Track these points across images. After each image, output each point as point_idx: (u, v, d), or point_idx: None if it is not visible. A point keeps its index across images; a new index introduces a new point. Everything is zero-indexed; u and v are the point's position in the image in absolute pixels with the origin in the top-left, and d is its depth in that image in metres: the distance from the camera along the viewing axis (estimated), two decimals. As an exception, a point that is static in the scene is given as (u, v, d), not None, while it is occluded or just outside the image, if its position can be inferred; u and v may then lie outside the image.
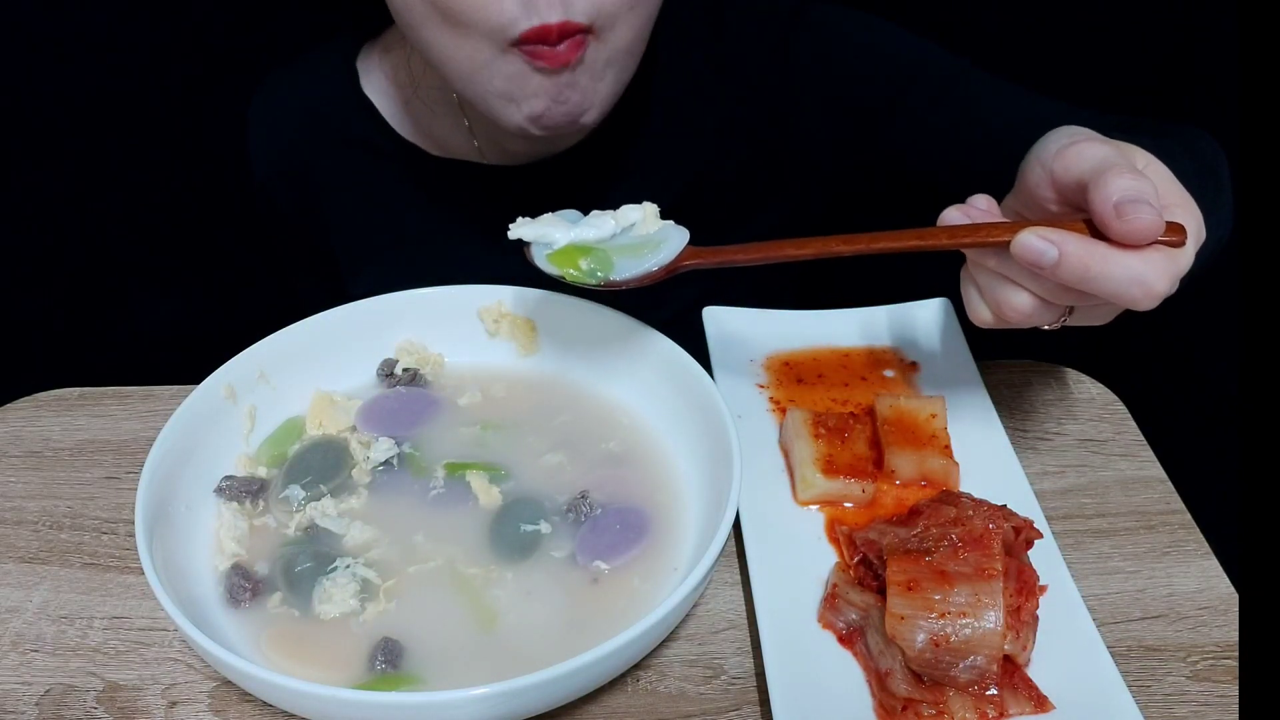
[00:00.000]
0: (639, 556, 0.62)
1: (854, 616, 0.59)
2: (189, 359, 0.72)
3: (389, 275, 0.82)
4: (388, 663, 0.56)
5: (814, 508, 0.67)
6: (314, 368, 0.72)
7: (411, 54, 0.83)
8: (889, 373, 0.76)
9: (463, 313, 0.75)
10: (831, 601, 0.59)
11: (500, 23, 0.64)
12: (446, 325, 0.75)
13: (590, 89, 0.68)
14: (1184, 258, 0.52)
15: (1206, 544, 0.66)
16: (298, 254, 0.95)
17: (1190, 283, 0.75)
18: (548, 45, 0.64)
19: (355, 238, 0.89)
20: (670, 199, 0.85)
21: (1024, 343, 0.83)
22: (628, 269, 0.62)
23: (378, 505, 0.65)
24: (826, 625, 0.59)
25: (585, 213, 0.73)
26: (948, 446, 0.67)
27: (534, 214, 0.84)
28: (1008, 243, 0.52)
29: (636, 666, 0.59)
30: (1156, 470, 0.71)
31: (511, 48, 0.65)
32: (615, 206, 0.84)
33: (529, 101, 0.68)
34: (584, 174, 0.84)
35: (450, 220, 0.87)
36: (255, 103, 0.89)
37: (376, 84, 0.86)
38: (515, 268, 0.81)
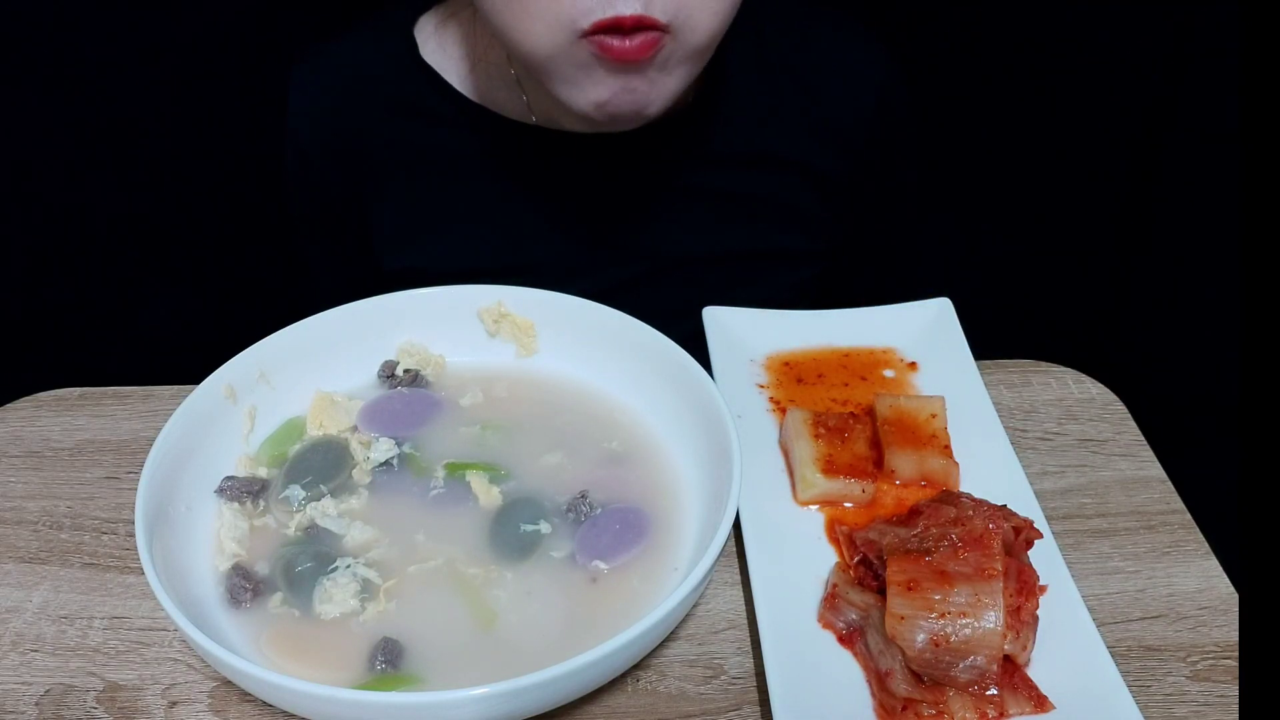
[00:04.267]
0: (639, 556, 0.62)
1: (854, 616, 0.59)
2: (189, 359, 0.72)
3: (439, 245, 0.83)
4: (388, 663, 0.56)
5: (814, 508, 0.67)
6: (314, 368, 0.72)
7: (477, 25, 0.84)
8: (889, 373, 0.76)
9: (463, 313, 0.75)
10: (831, 601, 0.59)
11: (574, 13, 0.65)
12: (447, 326, 0.75)
13: (659, 81, 0.70)
14: None
15: (1206, 544, 0.66)
16: (321, 235, 0.95)
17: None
18: (619, 36, 0.65)
19: (404, 208, 0.89)
20: (721, 192, 0.87)
21: (1024, 343, 0.83)
22: None
23: (378, 505, 0.65)
24: (826, 625, 0.59)
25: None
26: (948, 446, 0.67)
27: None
28: None
29: (636, 666, 0.59)
30: (1156, 470, 0.71)
31: (581, 38, 0.66)
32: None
33: (595, 89, 0.69)
34: (646, 152, 0.85)
35: (508, 187, 0.87)
36: (299, 75, 0.89)
37: (438, 52, 0.86)
38: (567, 239, 0.85)
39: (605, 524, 0.63)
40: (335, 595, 0.59)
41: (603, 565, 0.61)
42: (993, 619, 0.54)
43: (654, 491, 0.66)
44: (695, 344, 0.72)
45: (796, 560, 0.63)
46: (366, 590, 0.59)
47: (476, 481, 0.65)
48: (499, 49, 0.83)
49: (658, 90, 0.70)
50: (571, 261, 0.88)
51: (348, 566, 0.60)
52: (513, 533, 0.62)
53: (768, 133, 0.87)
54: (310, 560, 0.61)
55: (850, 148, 0.89)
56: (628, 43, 0.65)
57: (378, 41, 0.88)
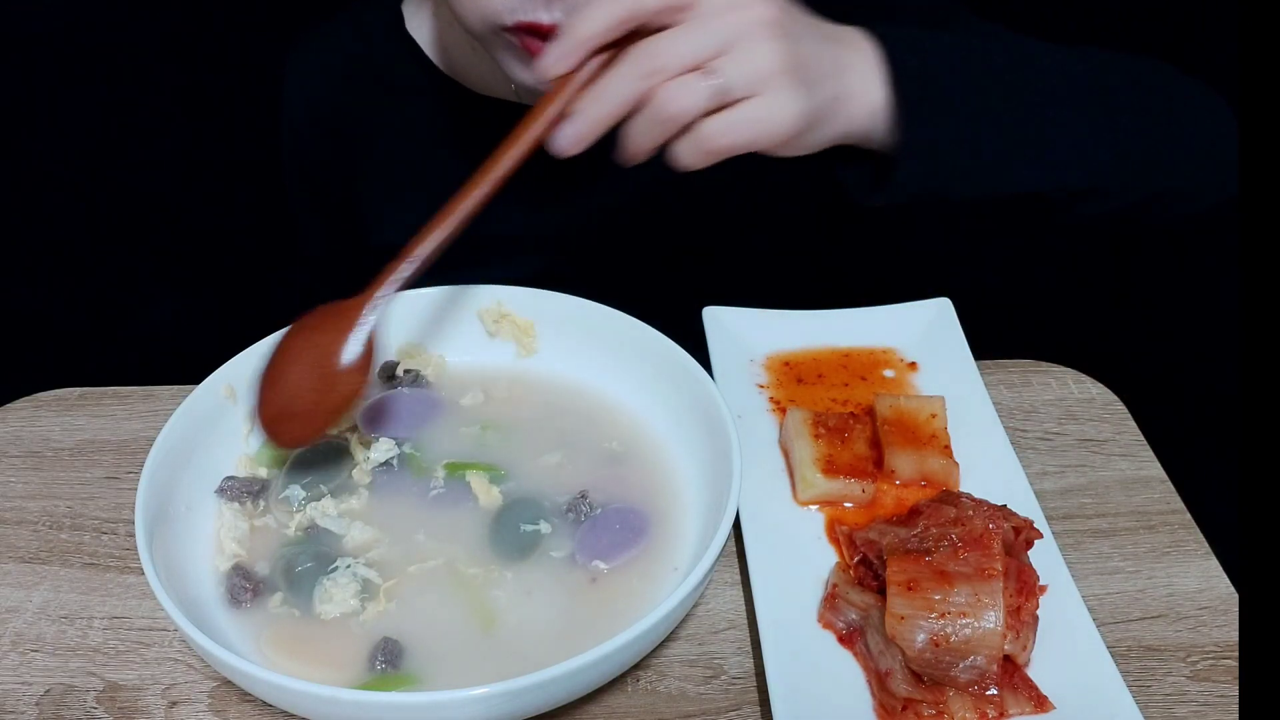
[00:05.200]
0: (639, 556, 0.62)
1: (854, 616, 0.59)
2: (189, 359, 0.72)
3: (419, 218, 0.83)
4: (388, 663, 0.55)
5: (814, 508, 0.67)
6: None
7: None
8: (889, 373, 0.76)
9: (463, 313, 0.75)
10: (831, 601, 0.59)
11: (498, 9, 0.65)
12: (447, 325, 0.75)
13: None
14: None
15: (1206, 544, 0.66)
16: (316, 215, 0.95)
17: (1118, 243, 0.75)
18: (539, 38, 0.65)
19: (386, 182, 0.89)
20: None
21: (1024, 343, 0.83)
22: None
23: (378, 505, 0.65)
24: (826, 625, 0.59)
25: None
26: (948, 446, 0.67)
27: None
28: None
29: (636, 666, 0.59)
30: (1156, 470, 0.71)
31: (504, 30, 0.66)
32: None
33: (522, 73, 0.69)
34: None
35: (480, 160, 0.87)
36: (294, 58, 0.90)
37: (421, 24, 0.86)
38: (543, 211, 0.83)
39: (605, 524, 0.63)
40: (335, 595, 0.59)
41: (603, 565, 0.61)
42: (993, 619, 0.54)
43: (654, 491, 0.66)
44: (686, 307, 0.70)
45: (796, 560, 0.63)
46: (366, 590, 0.59)
47: (476, 481, 0.65)
48: None
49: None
50: (548, 232, 0.87)
51: (348, 566, 0.60)
52: (513, 533, 0.62)
53: None
54: (310, 560, 0.61)
55: None
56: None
57: (368, 17, 0.88)
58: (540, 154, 0.85)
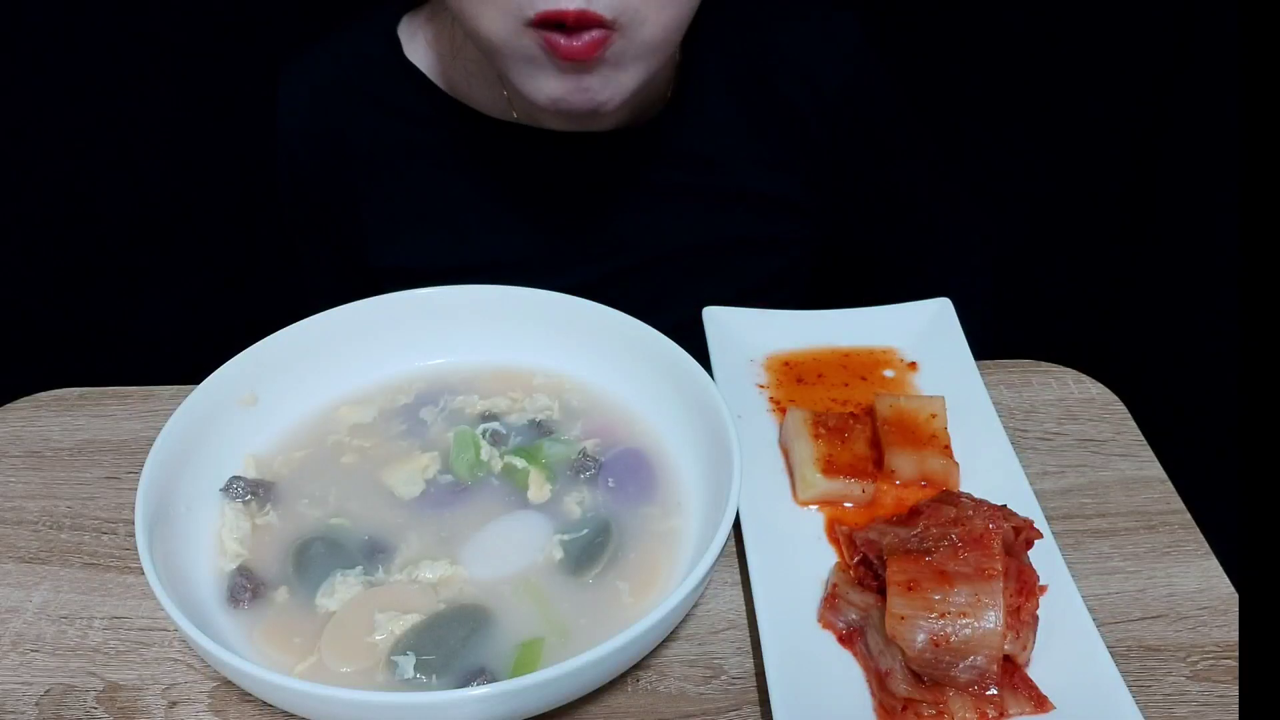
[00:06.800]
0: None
1: (854, 616, 0.59)
2: (189, 359, 0.72)
3: (423, 242, 0.82)
4: (389, 662, 0.55)
5: (814, 508, 0.67)
6: (315, 368, 0.72)
7: (454, 21, 0.83)
8: (889, 373, 0.76)
9: (463, 313, 0.75)
10: (831, 601, 0.59)
11: (520, 1, 0.64)
12: (447, 326, 0.75)
13: (612, 78, 0.69)
14: None
15: (1206, 544, 0.66)
16: (313, 233, 0.95)
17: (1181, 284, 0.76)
18: (565, 34, 0.64)
19: (388, 206, 0.89)
20: (700, 189, 0.87)
21: (1024, 343, 0.83)
22: None
23: (412, 513, 0.65)
24: (826, 625, 0.59)
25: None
26: (948, 446, 0.67)
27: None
28: None
29: (636, 666, 0.59)
30: (1156, 470, 0.71)
31: (529, 28, 0.65)
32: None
33: (547, 84, 0.69)
34: (623, 151, 0.85)
35: (489, 184, 0.87)
36: (288, 76, 0.89)
37: (420, 50, 0.86)
38: (549, 235, 0.85)
39: (616, 474, 0.66)
40: (338, 591, 0.59)
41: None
42: (993, 619, 0.54)
43: (653, 492, 0.66)
44: (680, 336, 0.71)
45: (796, 560, 0.63)
46: (371, 588, 0.59)
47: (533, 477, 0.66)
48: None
49: (612, 88, 0.69)
50: (554, 256, 0.88)
51: (356, 565, 0.60)
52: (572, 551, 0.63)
53: (743, 128, 0.86)
54: (324, 549, 0.61)
55: (826, 132, 0.88)
56: (574, 41, 0.65)
57: (363, 41, 0.88)
58: (549, 189, 0.86)
